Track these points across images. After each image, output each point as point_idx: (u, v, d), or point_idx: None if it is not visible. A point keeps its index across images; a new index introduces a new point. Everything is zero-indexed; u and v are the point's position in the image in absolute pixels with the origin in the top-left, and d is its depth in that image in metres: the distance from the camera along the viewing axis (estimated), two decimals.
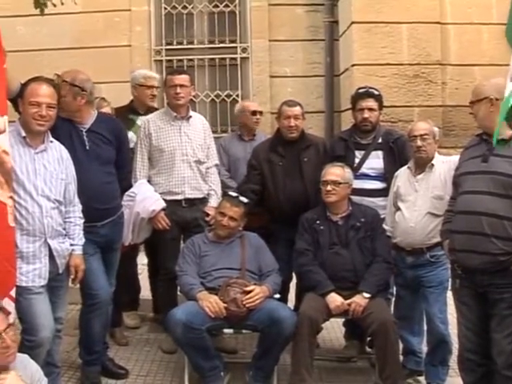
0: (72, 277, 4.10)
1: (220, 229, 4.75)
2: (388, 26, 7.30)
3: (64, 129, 4.28)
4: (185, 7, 8.39)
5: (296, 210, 4.95)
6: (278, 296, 4.65)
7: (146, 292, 5.97)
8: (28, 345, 3.75)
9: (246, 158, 5.55)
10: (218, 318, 4.38)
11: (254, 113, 5.96)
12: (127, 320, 5.71)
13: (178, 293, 4.94)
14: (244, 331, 4.62)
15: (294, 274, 5.08)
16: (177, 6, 8.39)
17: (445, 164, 4.46)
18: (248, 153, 5.63)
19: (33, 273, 3.82)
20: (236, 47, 8.31)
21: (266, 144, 5.36)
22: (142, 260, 5.90)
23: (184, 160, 5.10)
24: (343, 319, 5.01)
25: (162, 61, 8.29)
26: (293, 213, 4.94)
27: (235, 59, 8.30)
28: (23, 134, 3.84)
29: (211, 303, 4.36)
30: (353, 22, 7.34)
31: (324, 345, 5.19)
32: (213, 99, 8.31)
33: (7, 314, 3.27)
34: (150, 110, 5.55)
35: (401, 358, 4.60)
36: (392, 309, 4.79)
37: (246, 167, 5.46)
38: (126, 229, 4.85)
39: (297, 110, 5.16)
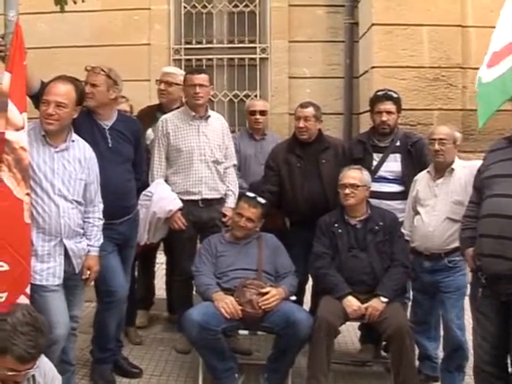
0: (84, 277, 4.08)
1: (237, 229, 4.73)
2: (408, 29, 7.25)
3: (87, 126, 4.28)
4: (204, 6, 8.39)
5: (314, 211, 4.93)
6: (294, 298, 4.63)
7: (160, 291, 5.97)
8: None
9: (257, 157, 5.59)
10: (234, 319, 4.36)
11: (252, 113, 5.93)
12: (136, 318, 5.67)
13: (194, 293, 4.94)
14: (259, 333, 4.60)
15: (310, 276, 5.07)
16: (196, 5, 8.40)
17: (465, 169, 4.42)
18: (258, 152, 5.65)
19: (47, 271, 3.81)
20: (255, 47, 8.31)
21: (284, 145, 5.35)
22: (160, 259, 5.90)
23: (202, 160, 5.08)
24: (359, 323, 4.99)
25: (181, 60, 8.29)
26: (311, 214, 4.93)
27: (254, 59, 8.30)
28: (43, 132, 3.84)
29: (227, 304, 4.34)
30: (373, 24, 7.30)
31: (339, 348, 5.15)
32: (231, 99, 8.31)
33: None
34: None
35: (416, 363, 4.57)
36: (409, 313, 4.76)
37: (256, 166, 5.48)
38: (142, 228, 4.87)
39: (307, 111, 5.14)
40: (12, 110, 3.63)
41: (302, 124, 5.12)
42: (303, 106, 5.22)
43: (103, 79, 4.37)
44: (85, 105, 4.25)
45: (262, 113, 5.90)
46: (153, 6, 8.29)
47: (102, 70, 4.39)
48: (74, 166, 3.92)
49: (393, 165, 4.99)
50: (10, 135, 3.61)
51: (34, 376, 3.08)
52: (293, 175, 5.15)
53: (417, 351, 4.57)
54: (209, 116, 5.22)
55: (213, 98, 7.73)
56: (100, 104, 4.39)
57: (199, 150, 5.08)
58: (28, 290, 3.65)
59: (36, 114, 3.91)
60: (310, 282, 5.11)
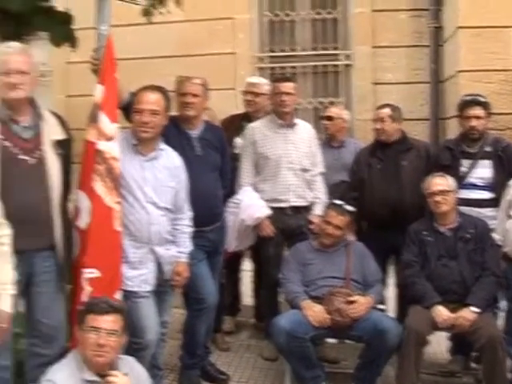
0: (173, 283, 4.16)
1: (325, 237, 4.71)
2: (495, 31, 7.05)
3: (174, 134, 4.36)
4: (287, 14, 8.39)
5: (392, 214, 4.92)
6: (382, 307, 4.59)
7: (247, 298, 6.00)
8: (135, 347, 3.83)
9: (335, 167, 5.52)
10: (322, 328, 4.35)
11: (321, 118, 5.98)
12: (223, 325, 5.71)
13: (281, 300, 4.95)
14: (347, 341, 4.58)
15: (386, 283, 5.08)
16: (279, 13, 8.41)
17: None
18: (335, 159, 5.60)
19: (139, 278, 3.91)
20: (339, 54, 8.25)
21: (367, 149, 5.37)
22: (246, 266, 5.94)
23: (289, 168, 5.09)
24: (448, 333, 4.89)
25: (265, 68, 8.32)
26: (389, 217, 4.92)
27: (338, 66, 8.25)
28: (134, 141, 3.93)
29: (315, 312, 4.34)
30: (459, 27, 7.15)
31: (428, 358, 5.01)
32: (316, 107, 8.29)
33: (124, 319, 3.35)
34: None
35: (509, 375, 4.44)
36: (500, 323, 4.64)
37: (332, 175, 5.45)
38: (230, 235, 4.93)
39: (383, 112, 5.19)
40: (104, 120, 3.75)
41: (378, 125, 5.16)
42: (379, 107, 5.31)
43: (201, 89, 4.48)
44: (179, 114, 4.37)
45: (329, 118, 5.87)
46: (236, 15, 8.34)
47: (198, 80, 4.47)
48: (164, 174, 4.01)
49: (483, 171, 4.88)
50: (102, 145, 3.72)
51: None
52: (372, 177, 5.13)
53: (509, 362, 4.44)
54: (296, 124, 5.23)
55: (297, 106, 7.73)
56: (198, 113, 4.48)
57: (286, 157, 5.09)
58: (118, 296, 3.74)
59: (123, 124, 4.00)
60: (391, 289, 5.11)
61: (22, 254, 3.30)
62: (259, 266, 5.60)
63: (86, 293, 3.62)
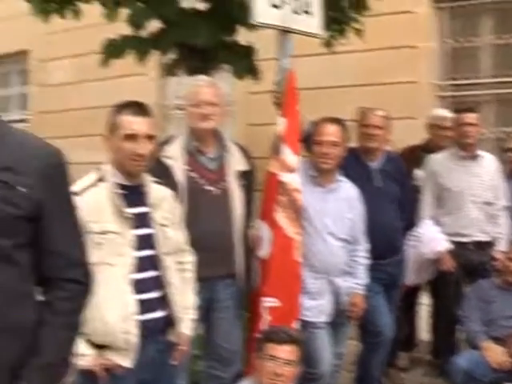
0: (349, 314, 4.15)
1: (509, 275, 4.53)
2: None
3: (355, 166, 4.39)
4: (469, 41, 8.17)
5: None
6: None
7: (424, 333, 5.85)
8: (309, 377, 3.86)
9: None
10: (502, 371, 4.18)
11: (505, 150, 5.67)
12: (397, 360, 5.60)
13: (459, 337, 4.79)
14: None
15: None
16: (461, 40, 8.21)
17: None
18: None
19: (316, 309, 3.95)
20: None
21: None
22: (423, 300, 5.80)
23: (473, 201, 4.94)
24: None
25: (447, 97, 8.14)
26: None
27: None
28: (312, 172, 3.99)
29: (496, 354, 4.19)
30: None
31: None
32: (499, 136, 7.97)
33: (301, 350, 3.40)
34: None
35: None
36: None
37: None
38: (409, 269, 4.85)
39: None
40: (286, 152, 3.82)
41: None
42: None
43: (384, 121, 4.50)
44: (360, 145, 4.43)
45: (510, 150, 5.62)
46: (417, 43, 8.22)
47: (381, 112, 4.48)
48: (342, 205, 4.04)
49: None
50: (285, 177, 3.79)
51: None
52: None
53: None
54: (479, 155, 5.09)
55: (480, 136, 7.49)
56: (380, 145, 4.50)
57: (470, 190, 4.95)
58: (296, 326, 3.78)
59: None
60: None
61: (206, 281, 3.43)
62: (438, 300, 5.44)
63: (265, 321, 3.70)
